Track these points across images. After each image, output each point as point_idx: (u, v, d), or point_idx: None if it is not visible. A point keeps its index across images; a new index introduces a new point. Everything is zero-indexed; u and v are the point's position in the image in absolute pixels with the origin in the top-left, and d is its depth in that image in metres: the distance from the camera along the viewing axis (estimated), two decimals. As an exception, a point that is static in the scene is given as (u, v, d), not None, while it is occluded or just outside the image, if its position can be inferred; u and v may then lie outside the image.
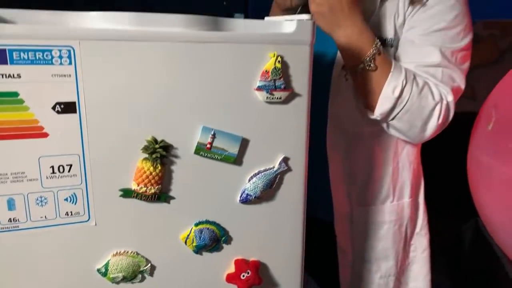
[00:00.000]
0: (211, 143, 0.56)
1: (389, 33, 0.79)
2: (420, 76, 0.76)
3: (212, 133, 0.56)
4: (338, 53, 0.78)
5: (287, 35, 0.58)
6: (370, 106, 0.76)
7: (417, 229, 0.94)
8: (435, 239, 1.00)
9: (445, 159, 1.78)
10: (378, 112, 0.75)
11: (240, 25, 0.57)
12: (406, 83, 0.72)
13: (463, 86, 0.80)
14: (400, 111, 0.73)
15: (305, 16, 0.60)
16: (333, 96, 0.82)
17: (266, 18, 0.64)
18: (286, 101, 0.60)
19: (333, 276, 0.93)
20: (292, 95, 0.60)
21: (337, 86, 0.81)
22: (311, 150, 0.64)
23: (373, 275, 0.92)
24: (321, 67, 0.77)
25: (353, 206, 0.87)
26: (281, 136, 0.61)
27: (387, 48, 0.79)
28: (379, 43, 0.73)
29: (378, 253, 0.91)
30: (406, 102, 0.73)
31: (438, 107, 0.75)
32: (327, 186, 0.86)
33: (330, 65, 0.82)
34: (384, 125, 0.79)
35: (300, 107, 0.61)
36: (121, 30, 0.49)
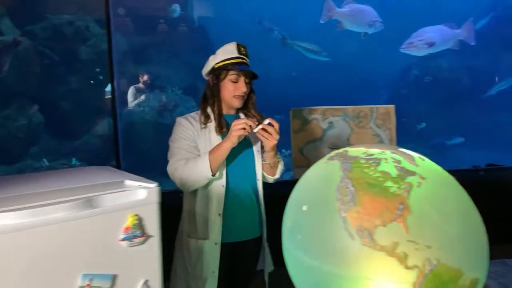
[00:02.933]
0: (89, 284, 0.80)
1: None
2: None
3: (89, 277, 0.81)
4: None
5: (141, 200, 0.88)
6: (272, 174, 1.56)
7: None
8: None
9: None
10: (278, 175, 1.57)
11: (107, 199, 0.85)
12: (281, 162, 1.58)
13: None
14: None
15: (153, 185, 0.92)
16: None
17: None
18: (144, 242, 0.88)
19: None
20: (148, 237, 0.89)
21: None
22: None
23: None
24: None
25: None
26: (142, 266, 0.89)
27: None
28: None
29: None
30: (282, 169, 1.58)
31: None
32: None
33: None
34: (271, 179, 1.58)
35: (154, 244, 0.90)
36: (23, 222, 0.73)
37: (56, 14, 5.41)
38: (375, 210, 0.79)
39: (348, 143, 2.91)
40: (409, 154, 0.91)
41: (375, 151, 0.91)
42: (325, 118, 2.93)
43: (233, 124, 1.35)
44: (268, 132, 1.37)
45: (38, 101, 4.73)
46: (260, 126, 1.38)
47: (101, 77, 5.84)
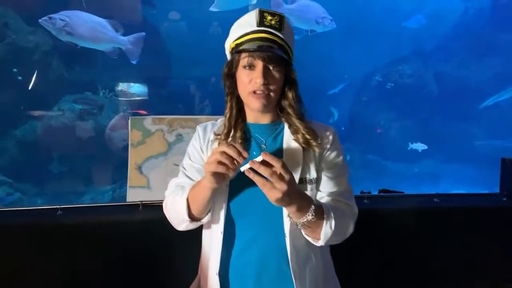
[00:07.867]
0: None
1: (312, 174, 1.02)
2: (337, 203, 1.01)
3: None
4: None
5: None
6: (314, 238, 0.98)
7: None
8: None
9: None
10: (323, 242, 0.97)
11: None
12: (334, 219, 0.94)
13: None
14: (332, 236, 0.96)
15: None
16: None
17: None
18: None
19: None
20: None
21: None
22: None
23: None
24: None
25: None
26: None
27: (312, 185, 1.02)
28: (315, 200, 0.99)
29: None
30: (335, 230, 0.95)
31: (352, 222, 1.01)
32: None
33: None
34: (316, 243, 1.00)
35: None
36: None
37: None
38: None
39: (195, 160, 2.45)
40: None
41: None
42: (173, 130, 2.45)
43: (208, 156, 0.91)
44: (263, 176, 0.84)
45: None
46: (247, 166, 0.86)
47: (20, 78, 5.53)
